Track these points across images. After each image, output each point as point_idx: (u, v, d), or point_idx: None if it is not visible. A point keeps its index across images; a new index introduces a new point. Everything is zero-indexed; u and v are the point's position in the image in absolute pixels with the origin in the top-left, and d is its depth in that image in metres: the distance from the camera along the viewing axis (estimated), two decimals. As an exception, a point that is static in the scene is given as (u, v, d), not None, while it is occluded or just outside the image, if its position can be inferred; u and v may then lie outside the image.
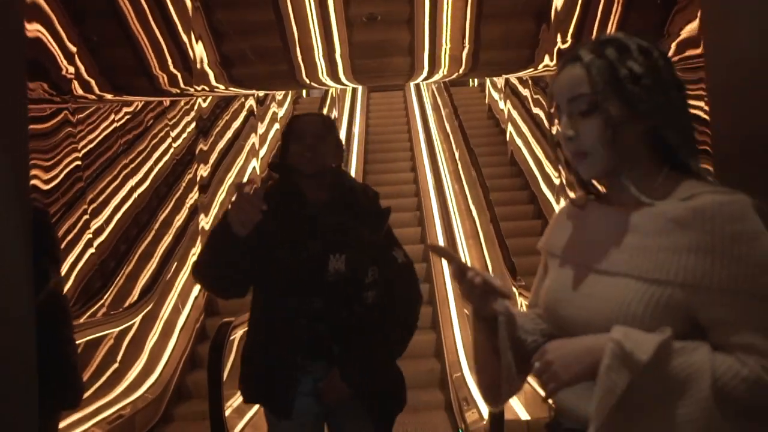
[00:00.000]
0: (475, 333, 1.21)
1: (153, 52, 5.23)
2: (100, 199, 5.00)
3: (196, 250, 6.18)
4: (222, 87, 6.20)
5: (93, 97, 5.24)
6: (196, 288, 5.98)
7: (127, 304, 4.98)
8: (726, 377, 0.96)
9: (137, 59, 5.21)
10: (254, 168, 8.12)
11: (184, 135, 6.44)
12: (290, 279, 1.93)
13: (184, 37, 5.22)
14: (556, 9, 4.94)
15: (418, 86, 10.41)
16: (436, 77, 6.11)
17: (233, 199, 1.75)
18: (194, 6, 5.11)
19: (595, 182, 1.16)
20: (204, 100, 6.61)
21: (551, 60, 5.40)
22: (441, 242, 6.61)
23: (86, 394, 4.17)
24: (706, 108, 1.94)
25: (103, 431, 3.96)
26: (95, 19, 4.77)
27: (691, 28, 3.79)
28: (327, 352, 1.96)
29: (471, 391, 4.17)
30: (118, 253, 5.11)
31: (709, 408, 0.96)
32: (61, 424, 3.69)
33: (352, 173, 8.04)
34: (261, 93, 8.22)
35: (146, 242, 5.49)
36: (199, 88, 5.89)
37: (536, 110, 6.74)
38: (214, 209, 6.76)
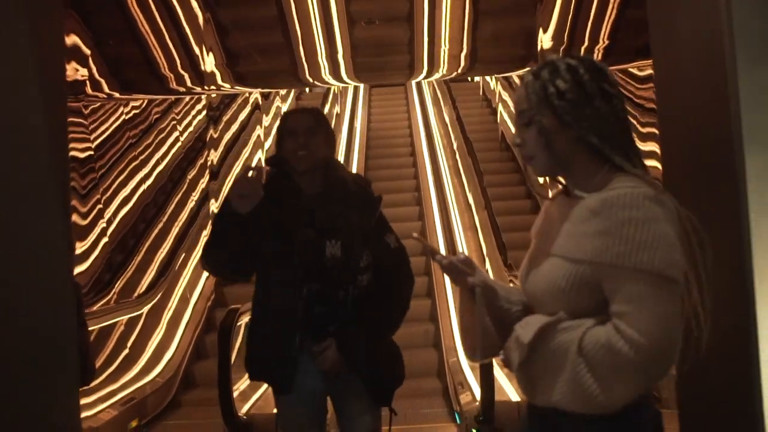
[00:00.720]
0: (459, 301, 1.45)
1: (161, 51, 5.39)
2: (112, 188, 5.19)
3: (207, 232, 6.35)
4: (227, 86, 6.37)
5: (103, 95, 5.42)
6: (203, 278, 6.17)
7: (136, 294, 5.17)
8: (588, 346, 1.17)
9: (145, 59, 5.38)
10: (260, 159, 8.29)
11: (195, 123, 6.64)
12: (290, 265, 2.08)
13: (192, 38, 5.39)
14: (550, 12, 5.09)
15: (419, 82, 10.55)
16: (436, 76, 6.27)
17: (235, 178, 1.95)
18: (205, 17, 5.26)
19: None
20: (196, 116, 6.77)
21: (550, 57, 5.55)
22: (440, 235, 6.79)
23: (100, 378, 4.42)
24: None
25: (117, 412, 4.16)
26: (103, 19, 4.92)
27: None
28: (324, 331, 2.10)
29: (466, 376, 4.37)
30: (129, 244, 5.30)
31: (579, 372, 1.17)
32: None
33: (354, 168, 8.19)
34: (266, 90, 8.37)
35: (155, 233, 5.68)
36: (205, 87, 6.06)
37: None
38: (223, 195, 6.97)
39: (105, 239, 4.94)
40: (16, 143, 1.81)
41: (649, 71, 5.41)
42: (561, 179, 1.37)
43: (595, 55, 5.19)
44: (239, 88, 6.64)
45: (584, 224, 1.22)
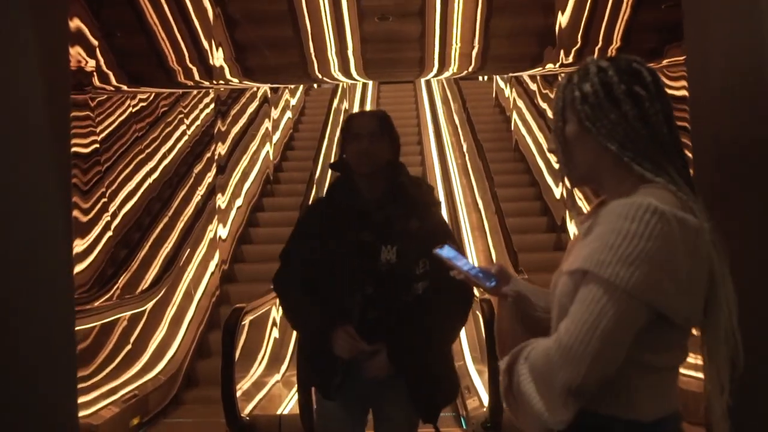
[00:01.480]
0: (497, 308, 1.40)
1: (169, 45, 5.35)
2: (117, 181, 5.15)
3: (213, 227, 6.31)
4: (236, 80, 6.32)
5: (110, 88, 5.38)
6: (208, 275, 6.13)
7: (140, 289, 5.13)
8: (532, 354, 1.16)
9: (154, 52, 5.34)
10: (267, 152, 8.23)
11: (202, 116, 6.59)
12: (344, 268, 2.04)
13: (201, 32, 5.34)
14: (563, 9, 5.02)
15: (428, 80, 10.48)
16: (446, 74, 6.21)
17: (341, 340, 2.00)
18: (215, 12, 5.21)
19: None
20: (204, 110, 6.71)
21: (559, 60, 5.49)
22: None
23: (102, 374, 4.38)
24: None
25: (119, 409, 4.12)
26: (112, 9, 4.88)
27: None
28: (375, 338, 2.03)
29: (473, 380, 4.31)
30: (133, 239, 5.26)
31: (530, 395, 1.14)
32: (78, 401, 3.89)
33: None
34: (274, 86, 8.33)
35: (160, 227, 5.64)
36: (213, 81, 6.02)
37: (544, 105, 6.82)
38: (230, 188, 6.90)
39: (109, 233, 4.90)
40: (19, 138, 1.80)
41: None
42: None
43: (608, 55, 5.11)
44: (248, 83, 6.59)
45: (589, 235, 1.17)
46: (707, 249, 1.12)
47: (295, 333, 3.08)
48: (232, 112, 7.33)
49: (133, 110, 5.63)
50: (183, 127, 6.29)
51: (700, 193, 1.18)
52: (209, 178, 6.53)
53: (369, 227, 2.06)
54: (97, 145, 4.94)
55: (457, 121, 9.20)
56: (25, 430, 1.84)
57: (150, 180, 5.60)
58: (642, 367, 1.14)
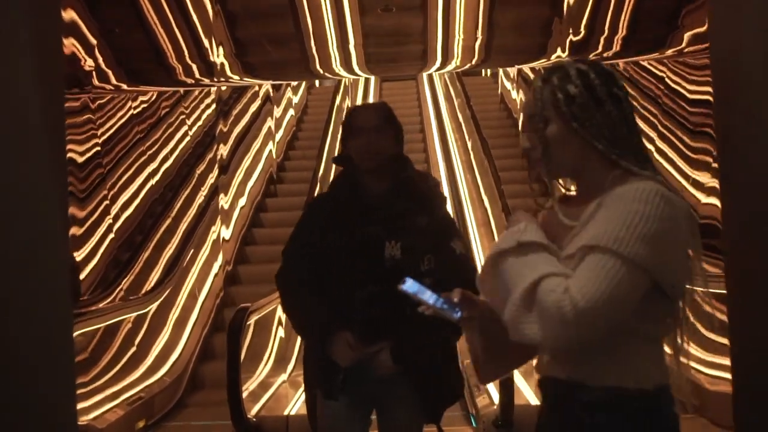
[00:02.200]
0: (468, 333, 1.47)
1: (169, 42, 5.30)
2: (119, 184, 5.09)
3: (216, 229, 6.24)
4: (237, 77, 6.26)
5: (110, 87, 5.33)
6: (212, 276, 6.07)
7: (143, 291, 5.08)
8: (541, 286, 1.19)
9: (153, 50, 5.29)
10: (270, 151, 8.14)
11: (204, 116, 6.53)
12: (347, 264, 1.99)
13: (200, 29, 5.28)
14: (568, 2, 4.95)
15: (430, 76, 10.42)
16: (449, 68, 6.15)
17: (339, 348, 1.96)
18: (215, 9, 5.16)
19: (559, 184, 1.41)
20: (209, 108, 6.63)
21: (563, 51, 5.42)
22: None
23: (106, 377, 4.33)
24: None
25: (124, 412, 4.07)
26: (111, 8, 4.83)
27: (701, 22, 3.78)
28: (377, 337, 1.99)
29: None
30: (136, 240, 5.21)
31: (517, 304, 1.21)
32: (82, 405, 3.84)
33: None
34: (276, 83, 8.27)
35: (164, 228, 5.59)
36: (214, 79, 5.96)
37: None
38: (233, 188, 6.82)
39: (111, 235, 4.85)
40: (17, 139, 1.78)
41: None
42: (558, 185, 1.39)
43: (614, 46, 5.04)
44: (249, 80, 6.53)
45: (593, 218, 1.24)
46: (691, 227, 1.24)
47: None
48: (234, 112, 7.26)
49: (135, 112, 5.58)
50: (185, 128, 6.24)
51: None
52: (212, 178, 6.48)
53: (373, 223, 2.00)
54: (99, 148, 4.90)
55: (461, 118, 9.13)
56: (24, 430, 1.80)
57: (152, 182, 5.55)
58: (643, 337, 1.25)
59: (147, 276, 5.20)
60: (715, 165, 3.80)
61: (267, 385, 4.77)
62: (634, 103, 1.30)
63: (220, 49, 5.48)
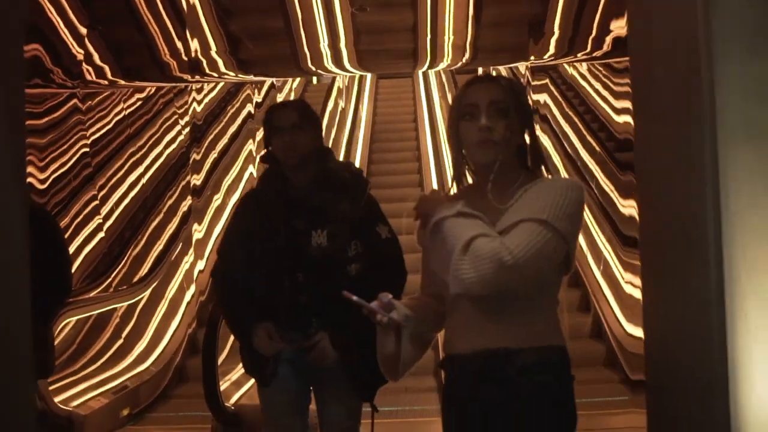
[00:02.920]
0: (378, 335, 1.59)
1: (162, 38, 5.33)
2: (110, 184, 5.11)
3: (203, 227, 6.23)
4: (232, 74, 6.27)
5: (104, 82, 5.35)
6: (196, 273, 6.06)
7: (132, 283, 5.10)
8: (477, 240, 1.39)
9: (146, 45, 5.31)
10: (251, 174, 7.92)
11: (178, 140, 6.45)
12: (277, 256, 2.07)
13: (189, 25, 5.31)
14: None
15: (426, 74, 10.44)
16: (441, 66, 6.17)
17: (259, 339, 2.07)
18: (207, 5, 5.16)
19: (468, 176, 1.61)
20: (199, 104, 6.50)
21: (554, 50, 5.45)
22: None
23: (93, 367, 4.35)
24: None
25: (108, 400, 4.09)
26: (101, 2, 4.86)
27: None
28: (308, 323, 2.09)
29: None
30: (124, 238, 5.23)
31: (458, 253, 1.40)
32: (67, 394, 3.87)
33: (357, 160, 8.10)
34: (272, 80, 8.22)
35: (152, 227, 5.60)
36: (206, 76, 5.97)
37: (537, 97, 6.77)
38: (222, 189, 6.76)
39: (101, 234, 4.87)
40: None
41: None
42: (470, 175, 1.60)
43: (604, 46, 5.07)
44: (242, 77, 6.54)
45: (519, 200, 1.47)
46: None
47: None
48: (209, 138, 6.77)
49: (126, 111, 5.60)
50: (177, 127, 6.23)
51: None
52: (197, 180, 6.46)
53: (299, 214, 2.10)
54: (87, 149, 4.91)
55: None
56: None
57: (143, 181, 5.58)
58: (557, 303, 1.53)
59: (136, 270, 5.22)
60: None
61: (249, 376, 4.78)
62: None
63: (213, 44, 5.50)
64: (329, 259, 2.05)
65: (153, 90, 6.03)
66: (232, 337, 3.84)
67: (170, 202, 5.92)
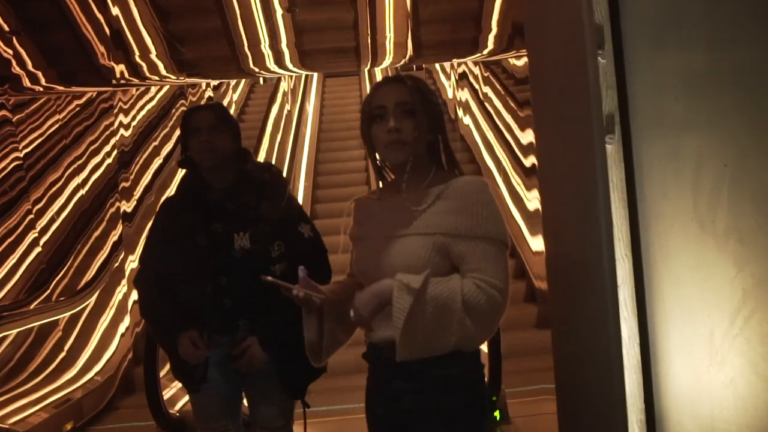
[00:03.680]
0: (304, 318, 1.62)
1: (98, 40, 5.19)
2: (46, 197, 4.95)
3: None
4: (173, 77, 6.16)
5: (39, 88, 5.19)
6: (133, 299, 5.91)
7: (75, 292, 4.95)
8: (469, 294, 1.44)
9: (82, 49, 5.16)
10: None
11: (136, 122, 6.34)
12: (199, 261, 2.05)
13: (131, 27, 5.18)
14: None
15: (372, 73, 10.45)
16: (385, 63, 6.18)
17: (184, 348, 2.02)
18: (146, 6, 5.05)
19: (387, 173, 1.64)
20: (126, 129, 6.29)
21: (496, 45, 5.51)
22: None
23: (34, 381, 4.21)
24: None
25: (48, 415, 3.97)
26: (33, 6, 4.71)
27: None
28: (234, 327, 2.08)
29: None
30: (65, 248, 5.07)
31: (461, 318, 1.43)
32: (5, 411, 3.73)
33: (304, 161, 8.06)
34: (214, 82, 8.14)
35: (95, 235, 5.45)
36: (146, 79, 5.84)
37: (486, 89, 6.85)
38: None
39: (38, 249, 4.72)
40: None
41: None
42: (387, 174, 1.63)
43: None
44: (184, 80, 6.43)
45: (433, 207, 1.50)
46: None
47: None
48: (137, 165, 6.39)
49: (62, 121, 5.43)
50: (116, 137, 6.07)
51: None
52: (143, 185, 6.33)
53: (220, 218, 2.08)
54: (20, 162, 4.75)
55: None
56: None
57: (82, 192, 5.43)
58: None
59: (79, 279, 5.08)
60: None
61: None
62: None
63: (152, 47, 5.39)
64: (253, 261, 2.04)
65: (93, 95, 5.87)
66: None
67: (112, 209, 5.78)
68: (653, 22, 1.57)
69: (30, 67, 4.95)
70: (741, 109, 1.50)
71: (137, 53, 5.28)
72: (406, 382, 1.50)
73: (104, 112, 6.00)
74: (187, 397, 4.02)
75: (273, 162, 7.01)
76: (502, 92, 6.29)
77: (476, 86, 7.24)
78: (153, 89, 6.71)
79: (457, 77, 7.25)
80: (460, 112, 8.27)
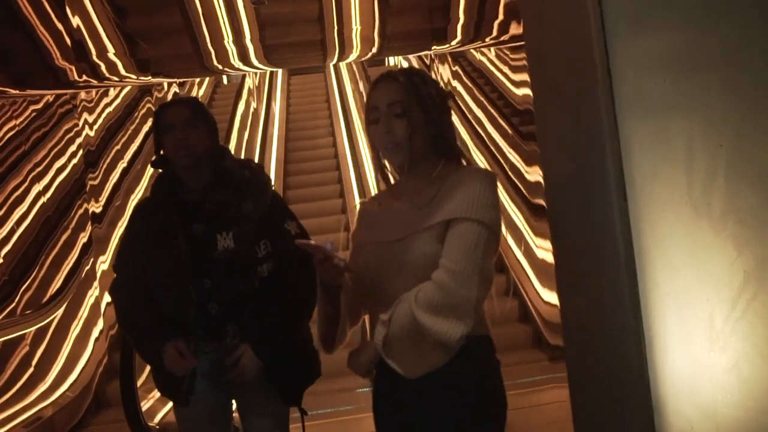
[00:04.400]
0: (321, 304, 1.59)
1: (53, 41, 5.00)
2: (5, 207, 4.75)
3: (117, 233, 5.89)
4: (133, 76, 5.98)
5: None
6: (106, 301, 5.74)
7: (42, 303, 4.77)
8: (421, 295, 1.43)
9: (36, 49, 4.97)
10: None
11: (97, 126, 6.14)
12: (180, 265, 1.93)
13: (87, 25, 5.00)
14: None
15: (337, 69, 10.36)
16: (352, 57, 6.10)
17: (170, 359, 1.89)
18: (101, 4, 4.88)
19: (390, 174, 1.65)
20: (91, 128, 6.09)
21: (463, 36, 5.48)
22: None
23: (1, 400, 4.03)
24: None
25: (17, 435, 3.81)
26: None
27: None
28: (221, 333, 1.96)
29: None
30: (28, 259, 4.88)
31: (419, 318, 1.42)
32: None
33: (273, 160, 7.94)
34: (178, 81, 7.95)
35: (59, 245, 5.26)
36: (106, 80, 5.66)
37: (455, 83, 6.83)
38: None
39: None
40: None
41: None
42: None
43: (511, 30, 5.14)
44: (145, 79, 6.25)
45: (435, 200, 1.49)
46: None
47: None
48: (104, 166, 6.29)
49: (19, 127, 5.23)
50: (79, 140, 5.87)
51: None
52: (108, 189, 6.15)
53: (200, 219, 1.96)
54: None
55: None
56: None
57: (44, 199, 5.23)
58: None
59: (44, 291, 4.89)
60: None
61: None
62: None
63: (110, 46, 5.21)
64: (238, 262, 1.93)
65: (51, 98, 5.67)
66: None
67: (80, 211, 5.58)
68: (635, 1, 1.54)
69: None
70: (733, 89, 1.47)
71: (95, 52, 5.10)
72: (411, 383, 1.49)
73: (63, 117, 5.81)
74: (168, 407, 3.93)
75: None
76: (470, 86, 6.28)
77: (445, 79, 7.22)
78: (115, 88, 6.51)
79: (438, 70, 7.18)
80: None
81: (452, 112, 1.62)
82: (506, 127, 5.20)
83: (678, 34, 1.55)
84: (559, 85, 1.78)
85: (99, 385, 4.90)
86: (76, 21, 4.96)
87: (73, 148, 5.76)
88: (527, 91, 4.43)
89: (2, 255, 4.60)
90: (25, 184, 5.07)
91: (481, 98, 6.02)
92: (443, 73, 7.65)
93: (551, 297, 4.40)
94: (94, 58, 5.13)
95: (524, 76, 4.56)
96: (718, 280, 1.48)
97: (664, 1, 1.51)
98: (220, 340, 1.96)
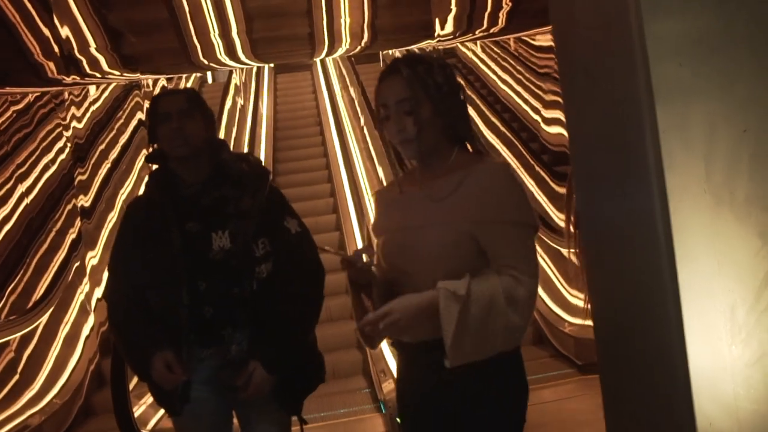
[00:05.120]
0: (354, 301, 1.59)
1: (33, 37, 4.87)
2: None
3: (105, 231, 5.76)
4: (117, 73, 5.84)
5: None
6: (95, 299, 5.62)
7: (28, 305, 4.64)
8: (510, 288, 1.44)
9: (16, 46, 4.84)
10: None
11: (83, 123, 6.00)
12: (174, 266, 1.83)
13: (61, 21, 4.87)
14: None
15: (324, 65, 10.26)
16: (340, 51, 6.00)
17: (158, 372, 1.80)
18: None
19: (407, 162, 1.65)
20: (80, 121, 5.96)
21: (453, 28, 5.42)
22: (356, 228, 6.56)
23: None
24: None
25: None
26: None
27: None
28: (218, 338, 1.86)
29: (388, 363, 4.17)
30: (8, 265, 4.74)
31: (505, 313, 1.44)
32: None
33: (262, 159, 7.84)
34: (163, 77, 7.82)
35: (43, 248, 5.13)
36: (87, 77, 5.52)
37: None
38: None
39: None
40: None
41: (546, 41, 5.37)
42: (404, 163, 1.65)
43: (499, 20, 5.07)
44: (129, 75, 6.12)
45: (457, 193, 1.48)
46: None
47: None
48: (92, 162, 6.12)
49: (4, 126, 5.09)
50: (63, 139, 5.75)
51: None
52: (93, 189, 6.02)
53: (194, 216, 1.86)
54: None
55: (357, 107, 9.06)
56: None
57: (26, 201, 5.10)
58: None
59: (29, 296, 4.76)
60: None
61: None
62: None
63: (93, 41, 5.08)
64: (235, 263, 1.83)
65: (31, 98, 5.52)
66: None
67: (68, 208, 5.45)
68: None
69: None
70: (759, 70, 1.41)
71: (76, 47, 4.96)
72: (437, 379, 1.50)
73: (45, 117, 5.66)
74: (160, 414, 3.83)
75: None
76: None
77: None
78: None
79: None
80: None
81: (463, 89, 1.60)
82: (506, 131, 5.11)
83: (698, 15, 1.48)
84: (591, 73, 1.70)
85: (88, 392, 4.77)
86: (55, 13, 4.83)
87: (60, 144, 5.63)
88: (525, 90, 4.34)
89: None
90: (11, 183, 4.94)
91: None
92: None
93: (551, 297, 4.35)
94: (76, 53, 4.99)
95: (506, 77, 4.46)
96: (741, 270, 1.40)
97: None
98: (218, 346, 1.86)
